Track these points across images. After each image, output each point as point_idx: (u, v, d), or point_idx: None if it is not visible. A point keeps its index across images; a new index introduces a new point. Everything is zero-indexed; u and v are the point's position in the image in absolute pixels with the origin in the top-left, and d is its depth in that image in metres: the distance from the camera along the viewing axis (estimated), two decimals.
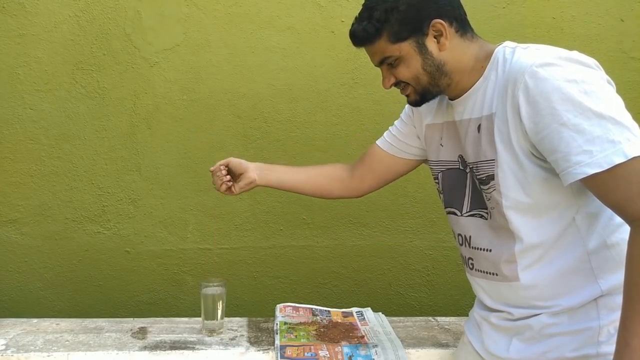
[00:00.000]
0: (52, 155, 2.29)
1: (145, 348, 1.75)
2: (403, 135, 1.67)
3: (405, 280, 2.30)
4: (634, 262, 1.13)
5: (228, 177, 1.74)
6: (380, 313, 2.05)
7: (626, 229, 1.25)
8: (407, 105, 1.66)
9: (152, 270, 2.35)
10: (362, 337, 1.83)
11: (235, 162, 1.74)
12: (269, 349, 1.76)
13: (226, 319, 1.93)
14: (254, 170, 1.73)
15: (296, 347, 1.72)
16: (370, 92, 2.35)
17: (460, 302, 2.37)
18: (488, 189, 1.34)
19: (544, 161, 1.23)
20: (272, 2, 2.31)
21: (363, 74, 2.34)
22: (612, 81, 1.22)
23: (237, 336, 1.86)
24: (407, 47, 1.34)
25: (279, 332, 1.84)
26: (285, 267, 2.39)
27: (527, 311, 1.34)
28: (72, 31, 2.26)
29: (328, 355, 1.68)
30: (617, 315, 1.23)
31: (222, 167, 1.74)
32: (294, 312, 2.04)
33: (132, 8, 2.27)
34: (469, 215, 1.43)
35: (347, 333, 1.85)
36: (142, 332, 1.88)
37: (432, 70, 1.35)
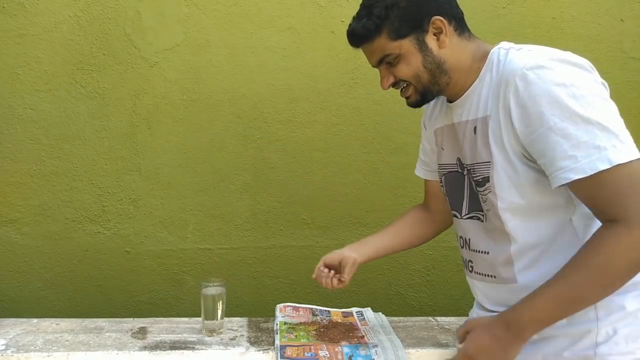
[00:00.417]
0: (52, 155, 2.29)
1: (145, 348, 1.75)
2: (428, 156, 1.67)
3: (405, 280, 2.30)
4: (581, 264, 1.15)
5: (333, 272, 1.75)
6: (380, 313, 2.05)
7: None
8: (421, 123, 1.67)
9: (152, 270, 2.35)
10: (362, 337, 1.83)
11: (329, 257, 1.78)
12: (269, 349, 1.76)
13: (226, 319, 1.93)
14: (349, 252, 1.76)
15: (296, 347, 1.72)
16: (371, 92, 2.35)
17: (460, 302, 2.37)
18: (484, 190, 1.34)
19: (536, 163, 1.23)
20: (272, 2, 2.31)
21: (363, 74, 2.34)
22: (606, 83, 1.22)
23: (237, 336, 1.86)
24: (407, 45, 1.33)
25: (279, 332, 1.84)
26: (285, 267, 2.39)
27: None
28: (72, 31, 2.26)
29: (328, 355, 1.68)
30: (616, 316, 1.24)
31: (322, 269, 1.77)
32: (294, 312, 2.04)
33: (132, 8, 2.27)
34: (467, 218, 1.44)
35: (347, 333, 1.85)
36: (142, 332, 1.88)
37: (432, 68, 1.35)
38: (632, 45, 2.40)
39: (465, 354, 1.29)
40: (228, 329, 1.91)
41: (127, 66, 2.29)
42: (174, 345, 1.77)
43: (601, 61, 2.38)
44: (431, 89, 1.38)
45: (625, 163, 1.10)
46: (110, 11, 2.27)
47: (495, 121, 1.27)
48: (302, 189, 2.37)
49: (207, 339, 1.83)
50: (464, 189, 1.43)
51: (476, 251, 1.43)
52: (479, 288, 1.46)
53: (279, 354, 1.69)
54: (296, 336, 1.81)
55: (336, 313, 2.07)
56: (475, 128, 1.34)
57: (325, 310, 2.08)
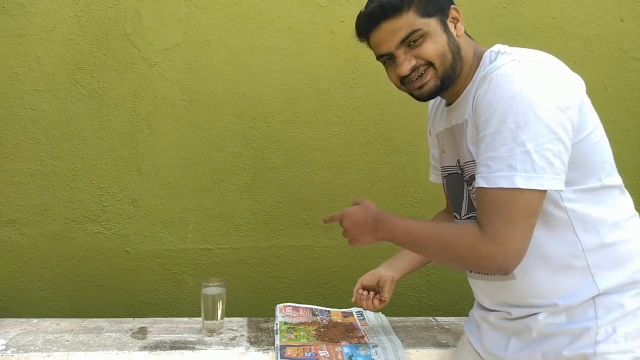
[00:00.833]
0: (52, 155, 2.29)
1: (145, 348, 1.75)
2: (437, 161, 1.67)
3: (405, 280, 2.29)
4: (442, 230, 1.34)
5: (372, 293, 1.79)
6: (380, 313, 2.05)
7: (623, 229, 1.28)
8: (427, 130, 1.68)
9: (152, 270, 2.35)
10: (362, 337, 1.83)
11: (366, 279, 1.82)
12: (269, 349, 1.76)
13: (226, 319, 1.93)
14: (386, 271, 1.80)
15: (296, 347, 1.72)
16: (371, 92, 2.35)
17: (460, 302, 2.37)
18: (472, 189, 1.36)
19: None
20: (272, 2, 2.31)
21: (363, 74, 2.34)
22: (574, 93, 1.23)
23: (237, 336, 1.86)
24: (434, 24, 1.32)
25: (279, 332, 1.84)
26: (285, 267, 2.39)
27: (525, 310, 1.35)
28: (72, 31, 2.26)
29: (328, 355, 1.68)
30: (615, 315, 1.24)
31: (361, 292, 1.81)
32: (294, 312, 2.04)
33: (132, 8, 2.27)
34: (466, 218, 1.45)
35: (347, 333, 1.85)
36: (142, 332, 1.88)
37: (455, 50, 1.34)
38: (632, 45, 2.40)
39: (342, 222, 1.50)
40: (228, 329, 1.91)
41: (127, 66, 2.29)
42: (174, 345, 1.77)
43: (601, 61, 2.38)
44: (450, 74, 1.35)
45: (523, 189, 1.17)
46: (110, 11, 2.27)
47: (470, 122, 1.31)
48: (302, 189, 2.37)
49: (207, 339, 1.83)
50: (463, 190, 1.43)
51: None
52: (480, 287, 1.47)
53: (279, 354, 1.69)
54: (296, 336, 1.81)
55: (336, 313, 2.07)
56: (464, 129, 1.37)
57: (325, 310, 2.08)
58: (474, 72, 1.36)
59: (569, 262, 1.27)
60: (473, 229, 1.23)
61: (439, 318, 2.10)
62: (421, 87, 1.36)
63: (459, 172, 1.44)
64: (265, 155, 2.35)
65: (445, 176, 1.54)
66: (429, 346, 1.82)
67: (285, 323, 1.92)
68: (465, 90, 1.38)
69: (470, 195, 1.39)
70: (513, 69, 1.22)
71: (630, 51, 2.40)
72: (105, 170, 2.31)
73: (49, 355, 1.70)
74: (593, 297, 1.27)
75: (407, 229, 1.37)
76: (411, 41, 1.31)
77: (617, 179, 1.33)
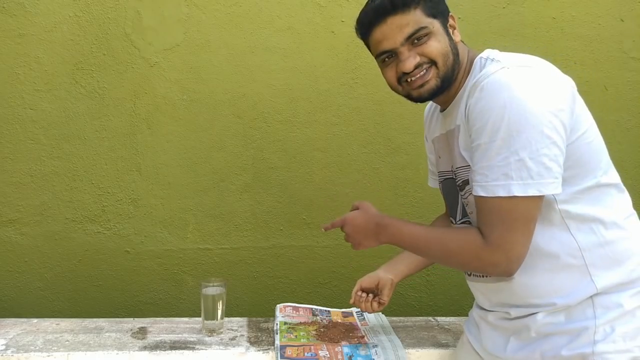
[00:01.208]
0: (52, 155, 2.29)
1: (145, 348, 1.75)
2: (435, 167, 1.67)
3: (405, 281, 2.29)
4: (445, 237, 1.36)
5: (371, 295, 1.80)
6: (380, 313, 2.05)
7: (620, 227, 1.28)
8: (424, 137, 1.69)
9: (152, 270, 2.35)
10: (362, 337, 1.83)
11: (365, 281, 1.82)
12: (269, 349, 1.76)
13: (226, 319, 1.93)
14: (385, 274, 1.81)
15: (296, 347, 1.72)
16: (371, 92, 2.35)
17: (460, 302, 2.37)
18: (464, 193, 1.39)
19: None
20: (272, 2, 2.31)
21: (363, 74, 2.34)
22: (565, 95, 1.24)
23: (237, 336, 1.86)
24: (437, 24, 1.34)
25: (279, 332, 1.84)
26: (285, 267, 2.39)
27: (524, 310, 1.35)
28: (72, 31, 2.26)
29: (328, 355, 1.68)
30: (613, 314, 1.25)
31: (359, 294, 1.81)
32: (294, 312, 2.05)
33: (132, 8, 2.27)
34: (461, 223, 1.46)
35: (347, 333, 1.85)
36: (142, 332, 1.88)
37: (455, 53, 1.36)
38: (632, 45, 2.40)
39: (344, 227, 1.52)
40: (228, 329, 1.91)
41: (127, 66, 2.29)
42: (174, 345, 1.77)
43: (601, 61, 2.38)
44: (450, 76, 1.36)
45: (520, 197, 1.19)
46: (110, 11, 2.27)
47: (463, 128, 1.33)
48: (302, 189, 2.37)
49: (207, 339, 1.83)
50: (457, 195, 1.44)
51: None
52: (479, 290, 1.47)
53: (278, 354, 1.69)
54: (296, 336, 1.81)
55: (336, 313, 2.07)
56: (455, 135, 1.38)
57: (325, 310, 2.08)
58: (466, 78, 1.38)
59: (566, 262, 1.27)
60: (476, 237, 1.26)
61: (438, 318, 2.10)
62: (422, 85, 1.36)
63: (453, 177, 1.45)
64: (265, 155, 2.35)
65: (441, 181, 1.55)
66: (428, 346, 1.82)
67: (285, 323, 1.92)
68: (457, 96, 1.39)
69: (462, 200, 1.41)
70: (503, 76, 1.23)
71: (630, 51, 2.40)
72: (105, 170, 2.31)
73: (49, 355, 1.70)
74: (591, 297, 1.27)
75: (410, 234, 1.40)
76: (416, 38, 1.32)
77: (614, 177, 1.34)
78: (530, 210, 1.22)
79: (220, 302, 1.87)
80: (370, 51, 1.43)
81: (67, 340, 1.80)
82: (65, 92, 2.28)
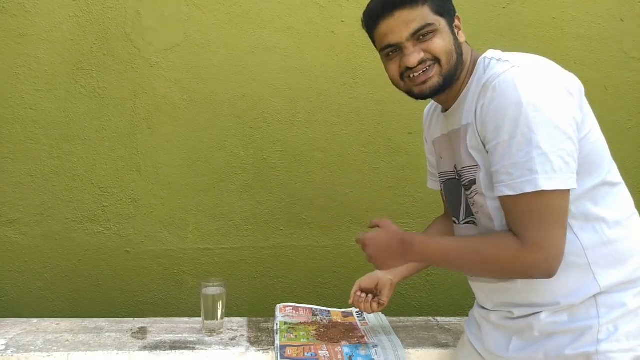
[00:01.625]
0: (52, 155, 2.29)
1: (145, 348, 1.75)
2: (434, 168, 1.67)
3: (405, 280, 2.29)
4: (479, 245, 1.31)
5: (371, 296, 1.79)
6: (380, 313, 2.05)
7: (623, 226, 1.28)
8: (424, 138, 1.69)
9: (152, 270, 2.35)
10: (362, 337, 1.83)
11: (365, 281, 1.81)
12: (269, 349, 1.76)
13: (226, 319, 1.93)
14: (385, 274, 1.79)
15: (296, 347, 1.72)
16: (371, 92, 2.35)
17: (460, 302, 2.37)
18: (470, 193, 1.38)
19: None
20: (272, 2, 2.31)
21: (363, 74, 2.34)
22: (574, 92, 1.25)
23: (237, 336, 1.86)
24: (444, 23, 1.34)
25: (279, 332, 1.84)
26: (285, 267, 2.39)
27: (527, 309, 1.35)
28: (72, 31, 2.26)
29: (328, 356, 1.68)
30: (617, 313, 1.25)
31: (359, 294, 1.80)
32: (294, 312, 2.04)
33: (132, 8, 2.27)
34: (465, 223, 1.45)
35: (347, 333, 1.85)
36: (142, 332, 1.88)
37: (459, 53, 1.36)
38: (632, 45, 2.40)
39: (365, 249, 1.46)
40: (228, 329, 1.91)
41: (127, 66, 2.29)
42: (174, 345, 1.77)
43: (601, 61, 2.38)
44: (452, 75, 1.36)
45: (549, 191, 1.18)
46: (110, 11, 2.27)
47: (473, 129, 1.32)
48: (302, 189, 2.37)
49: (207, 339, 1.83)
50: (460, 195, 1.44)
51: None
52: (482, 290, 1.47)
53: (278, 354, 1.69)
54: (296, 336, 1.81)
55: (336, 313, 2.07)
56: (461, 134, 1.38)
57: (325, 310, 2.08)
58: (469, 78, 1.38)
59: (569, 260, 1.27)
60: (511, 240, 1.24)
61: (438, 318, 2.10)
62: (424, 82, 1.36)
63: (457, 177, 1.45)
64: (265, 155, 2.35)
65: (443, 181, 1.55)
66: (429, 346, 1.81)
67: (285, 323, 1.92)
68: (460, 96, 1.39)
69: (468, 200, 1.40)
70: (514, 75, 1.23)
71: (630, 51, 2.40)
72: (105, 170, 2.31)
73: (49, 355, 1.70)
74: (595, 296, 1.27)
75: (440, 249, 1.37)
76: (422, 35, 1.32)
77: (617, 177, 1.34)
78: (560, 204, 1.21)
79: (220, 302, 1.87)
80: (375, 44, 1.43)
81: (67, 340, 1.80)
82: (65, 92, 2.28)
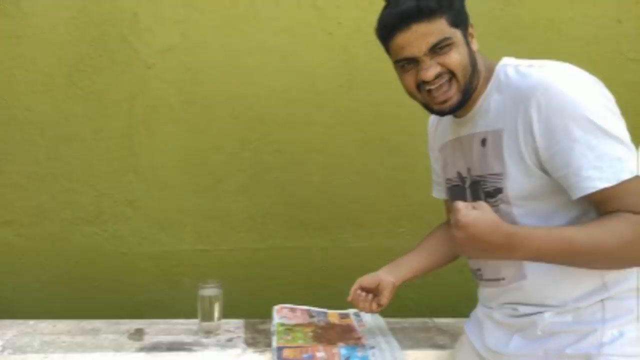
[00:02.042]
0: (48, 157, 2.29)
1: (142, 349, 1.74)
2: (439, 177, 1.66)
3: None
4: (609, 230, 1.19)
5: (371, 295, 1.75)
6: (377, 314, 2.04)
7: None
8: (428, 148, 1.68)
9: (149, 271, 2.35)
10: (359, 338, 1.83)
11: (366, 280, 1.76)
12: (265, 350, 1.76)
13: (223, 320, 1.93)
14: (386, 276, 1.75)
15: (293, 349, 1.72)
16: (368, 94, 2.35)
17: (457, 304, 2.36)
18: (495, 201, 1.36)
19: (548, 174, 1.27)
20: (269, 4, 2.31)
21: (360, 76, 2.34)
22: (611, 97, 1.28)
23: (234, 337, 1.86)
24: (459, 35, 1.32)
25: (276, 333, 1.84)
26: (282, 268, 2.39)
27: (533, 308, 1.35)
28: (69, 33, 2.26)
29: (325, 357, 1.68)
30: (623, 319, 1.25)
31: (359, 292, 1.75)
32: (291, 313, 2.04)
33: (130, 10, 2.27)
34: None
35: (344, 334, 1.85)
36: (139, 334, 1.88)
37: (473, 64, 1.34)
38: (629, 47, 2.40)
39: (457, 231, 1.20)
40: (225, 331, 1.91)
41: (124, 68, 2.28)
42: (171, 347, 1.77)
43: (599, 63, 2.38)
44: (469, 87, 1.34)
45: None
46: (107, 13, 2.27)
47: (510, 135, 1.30)
48: (299, 190, 2.37)
49: (204, 340, 1.83)
50: (465, 200, 1.43)
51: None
52: (490, 293, 1.47)
53: (275, 356, 1.69)
54: (293, 338, 1.81)
55: (333, 314, 2.06)
56: (484, 140, 1.37)
57: (323, 312, 2.08)
58: (486, 85, 1.37)
59: None
60: (637, 216, 1.18)
61: (436, 319, 2.10)
62: (445, 101, 1.34)
63: (460, 183, 1.45)
64: (263, 156, 2.35)
65: (448, 187, 1.55)
66: (426, 347, 1.82)
67: (283, 324, 1.92)
68: (478, 103, 1.38)
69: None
70: (560, 76, 1.25)
71: (628, 52, 2.40)
72: (102, 172, 2.31)
73: (45, 357, 1.70)
74: (602, 300, 1.27)
75: (564, 241, 1.20)
76: (438, 48, 1.30)
77: None
78: None
79: (217, 304, 1.87)
80: (389, 54, 1.40)
81: (64, 342, 1.80)
82: (62, 93, 2.27)
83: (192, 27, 2.29)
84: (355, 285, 1.78)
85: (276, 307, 2.08)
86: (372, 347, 1.75)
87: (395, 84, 1.45)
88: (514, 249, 1.20)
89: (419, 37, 1.29)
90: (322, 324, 1.95)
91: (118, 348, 1.75)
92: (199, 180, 2.33)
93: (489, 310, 1.48)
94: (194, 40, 2.30)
